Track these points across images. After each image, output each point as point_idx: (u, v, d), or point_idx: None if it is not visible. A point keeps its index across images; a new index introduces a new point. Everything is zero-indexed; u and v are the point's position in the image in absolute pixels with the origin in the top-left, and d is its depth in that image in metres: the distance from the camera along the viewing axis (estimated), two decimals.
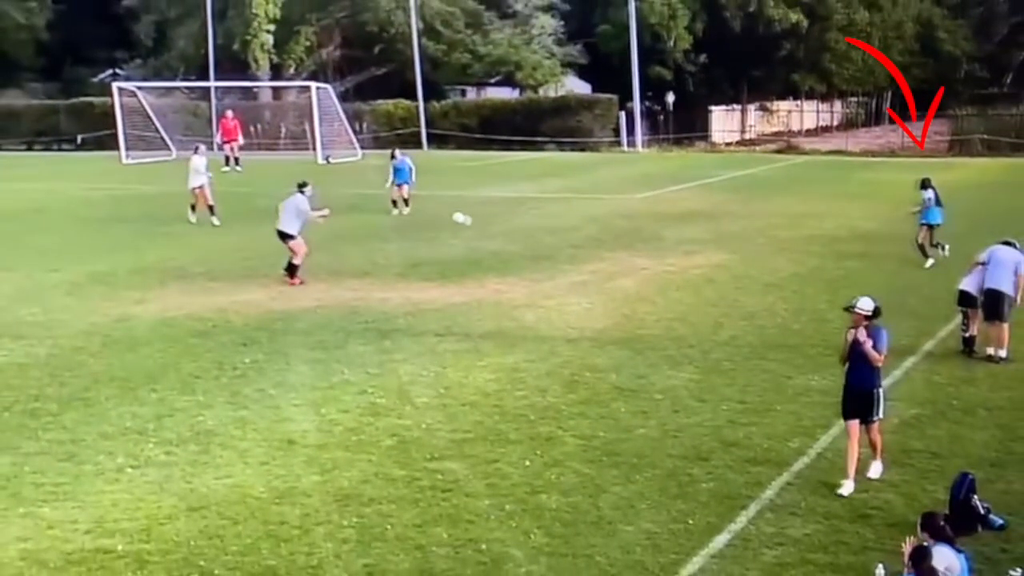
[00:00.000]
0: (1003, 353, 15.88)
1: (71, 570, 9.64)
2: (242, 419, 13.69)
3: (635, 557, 9.75)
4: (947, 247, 22.85)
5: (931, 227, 23.25)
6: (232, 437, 13.02)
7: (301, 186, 22.42)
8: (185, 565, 9.70)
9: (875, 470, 11.39)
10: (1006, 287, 15.88)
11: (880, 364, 11.32)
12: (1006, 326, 15.94)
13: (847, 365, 11.47)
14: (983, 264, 16.18)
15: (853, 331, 11.23)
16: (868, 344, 11.14)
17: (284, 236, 21.98)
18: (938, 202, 23.36)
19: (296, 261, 21.78)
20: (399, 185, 32.66)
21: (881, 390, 11.39)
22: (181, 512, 10.84)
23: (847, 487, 11.03)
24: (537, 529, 10.34)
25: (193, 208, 30.84)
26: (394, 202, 32.72)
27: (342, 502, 11.02)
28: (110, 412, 14.02)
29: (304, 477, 11.71)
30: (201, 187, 30.78)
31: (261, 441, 12.87)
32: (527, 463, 12.03)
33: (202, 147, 32.49)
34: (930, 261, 22.72)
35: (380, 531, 10.33)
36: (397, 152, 34.11)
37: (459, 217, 25.21)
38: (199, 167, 30.91)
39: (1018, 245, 16.49)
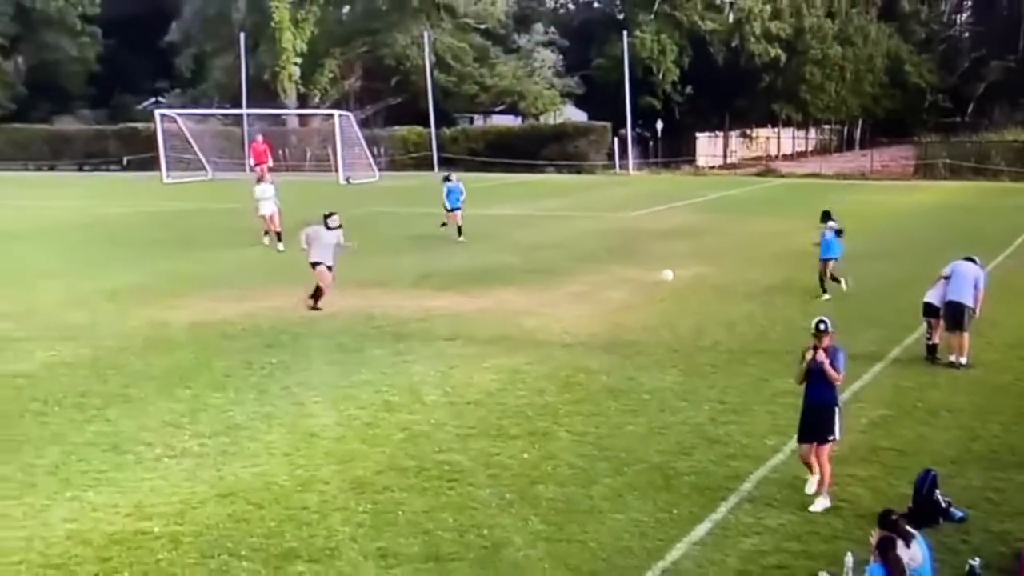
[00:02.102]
0: (964, 360, 15.79)
1: (113, 549, 9.65)
2: (268, 414, 13.69)
3: (624, 543, 9.73)
4: (849, 280, 21.21)
5: (827, 261, 21.07)
6: (259, 430, 13.02)
7: (327, 217, 20.68)
8: (215, 546, 9.69)
9: (820, 504, 10.48)
10: (967, 299, 15.80)
11: (839, 382, 10.73)
12: (967, 335, 15.87)
13: (805, 384, 10.75)
14: (946, 278, 16.09)
15: (812, 351, 10.53)
16: (828, 363, 10.51)
17: (315, 264, 20.36)
18: (838, 234, 21.11)
19: (323, 287, 20.28)
20: (452, 211, 30.13)
21: (839, 408, 10.76)
22: (212, 498, 10.84)
23: (818, 504, 10.45)
24: (534, 516, 10.32)
25: (267, 232, 28.95)
26: (444, 224, 30.48)
27: (358, 490, 11.02)
28: (149, 407, 14.03)
29: (324, 467, 11.70)
30: (271, 215, 28.70)
31: (285, 434, 12.87)
32: (526, 456, 12.02)
33: (267, 175, 30.70)
34: (826, 296, 20.79)
35: (392, 517, 10.33)
36: (452, 175, 31.62)
37: (668, 275, 22.55)
38: (267, 194, 28.86)
39: (978, 261, 16.46)
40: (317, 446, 12.42)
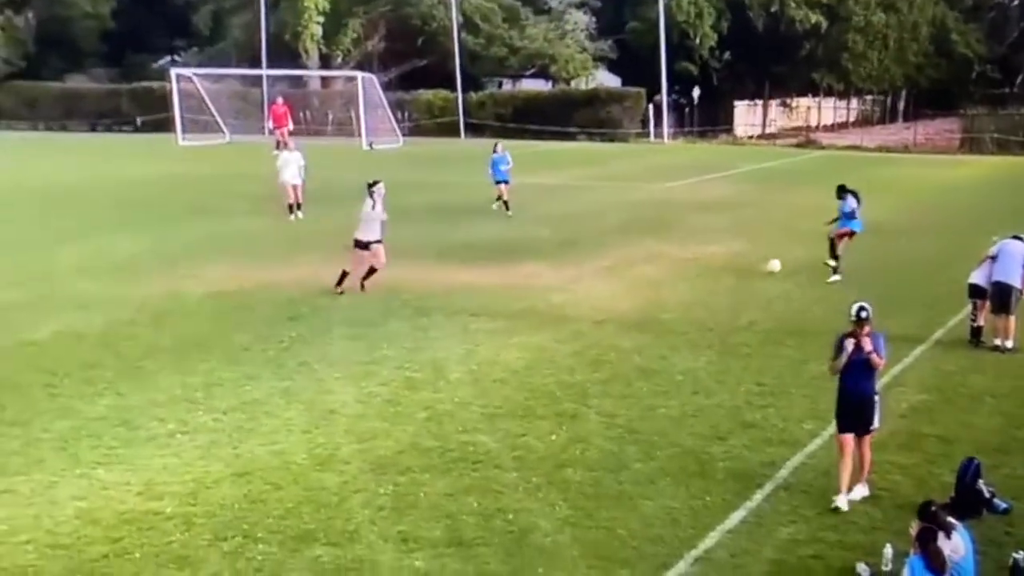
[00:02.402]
0: (1010, 343, 15.67)
1: (123, 529, 9.67)
2: (286, 389, 13.70)
3: (655, 531, 9.69)
4: (837, 275, 20.38)
5: (843, 233, 20.62)
6: (277, 406, 13.04)
7: (371, 186, 19.46)
8: (230, 527, 9.70)
9: (859, 492, 10.38)
10: (1015, 280, 15.66)
11: (880, 368, 10.51)
12: (1013, 318, 15.72)
13: (840, 374, 10.43)
14: (992, 258, 15.95)
15: (852, 339, 10.22)
16: (874, 352, 10.24)
17: (367, 244, 19.15)
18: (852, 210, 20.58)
19: (379, 265, 19.24)
20: (499, 183, 29.47)
21: (878, 397, 10.56)
22: (227, 477, 10.85)
23: (841, 500, 10.21)
24: (562, 501, 10.29)
25: (291, 206, 28.26)
26: (498, 197, 29.55)
27: (379, 470, 11.01)
28: (162, 381, 14.06)
29: (344, 446, 11.70)
30: (295, 185, 28.17)
31: (304, 411, 12.87)
32: (553, 438, 11.99)
33: (290, 141, 29.94)
34: (836, 277, 20.36)
35: (414, 499, 10.32)
36: (499, 145, 30.57)
37: (775, 265, 21.28)
38: (294, 162, 28.30)
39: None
40: (337, 424, 12.43)
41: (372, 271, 19.26)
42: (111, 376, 14.27)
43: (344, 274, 19.08)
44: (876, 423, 10.45)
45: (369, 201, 19.18)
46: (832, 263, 20.52)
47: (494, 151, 30.13)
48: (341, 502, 10.26)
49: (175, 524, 9.77)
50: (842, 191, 20.82)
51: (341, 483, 10.70)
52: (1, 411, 12.86)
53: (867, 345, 10.16)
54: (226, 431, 12.19)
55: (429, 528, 9.70)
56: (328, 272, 21.08)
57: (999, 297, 15.71)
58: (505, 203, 29.22)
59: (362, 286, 19.16)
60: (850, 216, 20.63)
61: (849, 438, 10.36)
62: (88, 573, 8.89)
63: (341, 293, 18.93)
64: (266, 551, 9.25)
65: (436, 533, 9.60)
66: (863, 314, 10.27)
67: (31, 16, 66.09)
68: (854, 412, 10.35)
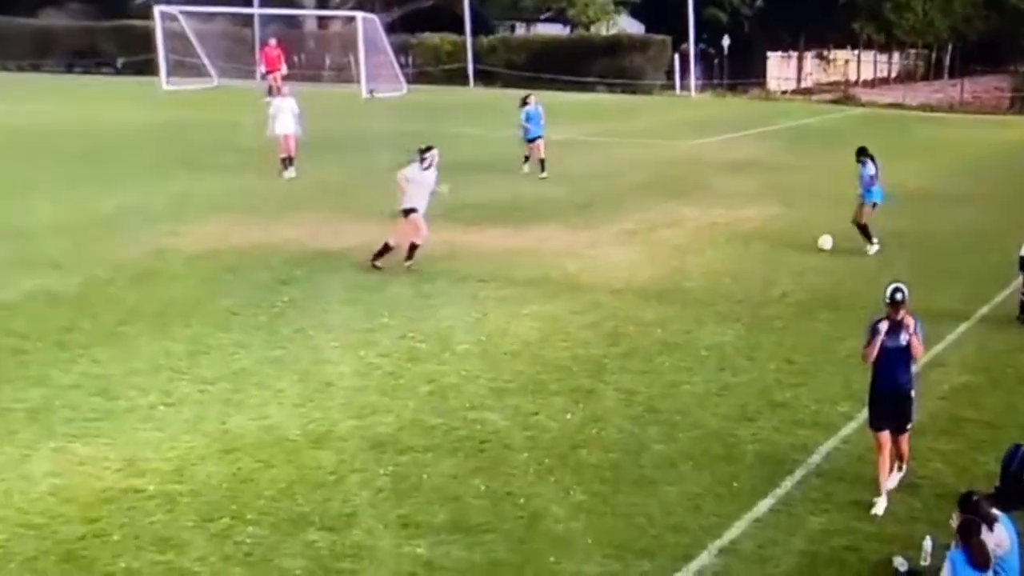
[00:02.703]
0: None
1: (102, 508, 9.73)
2: (278, 359, 13.74)
3: (676, 518, 9.72)
4: (876, 246, 20.19)
5: (866, 206, 20.22)
6: (268, 377, 13.09)
7: (423, 152, 18.62)
8: (216, 508, 9.76)
9: (894, 480, 10.27)
10: None
11: (919, 356, 10.28)
12: None
13: (874, 363, 10.11)
14: None
15: (885, 323, 9.92)
16: (916, 338, 9.95)
17: (407, 212, 18.44)
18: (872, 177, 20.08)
19: (418, 241, 18.44)
20: (532, 140, 28.23)
21: (914, 390, 10.28)
22: (214, 453, 10.91)
23: (880, 505, 10.00)
24: (577, 485, 10.32)
25: (283, 159, 27.47)
26: (526, 158, 28.62)
27: (378, 449, 11.06)
28: (143, 347, 14.11)
29: (340, 422, 11.75)
30: (286, 136, 27.27)
31: (297, 382, 12.92)
32: (568, 416, 12.03)
33: (283, 86, 28.89)
34: (875, 247, 20.14)
35: (416, 481, 10.37)
36: (531, 98, 28.94)
37: (827, 241, 20.43)
38: (283, 109, 27.45)
39: None
40: (333, 397, 12.47)
41: (413, 247, 18.38)
42: (87, 341, 14.31)
43: (386, 247, 18.26)
44: (914, 418, 10.26)
45: (416, 166, 18.41)
46: (872, 244, 20.22)
47: (524, 104, 28.69)
48: (337, 483, 10.30)
49: (157, 504, 9.82)
50: (861, 154, 20.32)
51: (338, 462, 10.74)
52: None
53: (914, 341, 9.89)
54: (213, 403, 12.24)
55: (432, 512, 9.74)
56: (326, 232, 21.14)
57: None
58: (541, 162, 28.29)
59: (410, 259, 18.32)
60: (869, 186, 20.20)
61: (885, 436, 10.11)
62: (63, 555, 8.94)
63: (378, 268, 18.16)
64: (256, 534, 9.31)
65: (440, 518, 9.64)
66: (898, 296, 9.98)
67: None
68: (889, 407, 10.11)
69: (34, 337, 14.40)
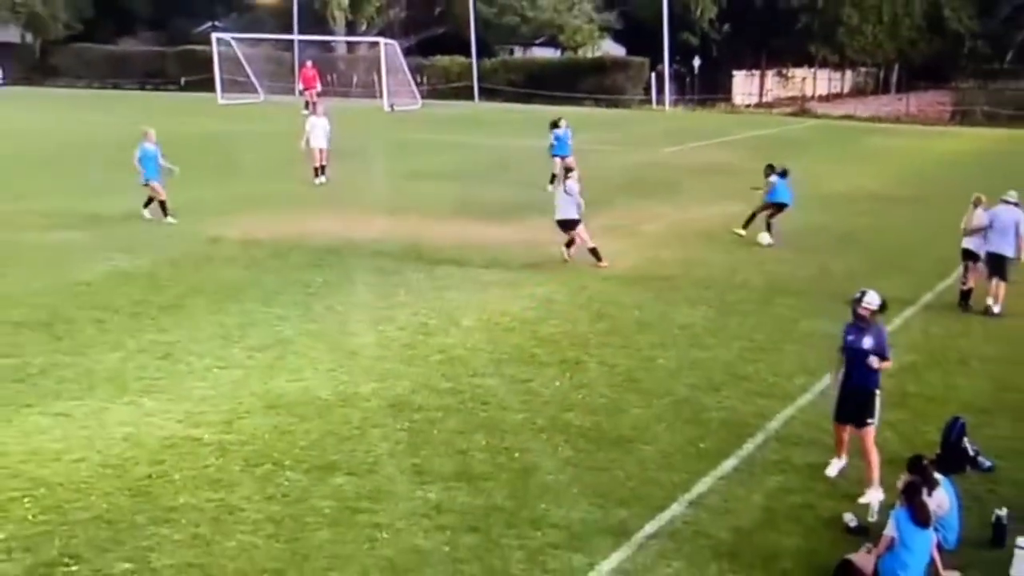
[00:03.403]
0: (997, 309, 15.33)
1: (165, 453, 9.80)
2: (313, 331, 13.75)
3: (651, 474, 9.66)
4: (770, 238, 19.96)
5: (771, 205, 20.11)
6: (304, 346, 13.09)
7: (554, 124, 18.46)
8: (260, 455, 9.80)
9: (873, 495, 9.14)
10: (1008, 250, 15.30)
11: (886, 369, 9.53)
12: (1004, 284, 15.40)
13: (843, 366, 9.56)
14: (985, 227, 15.43)
15: (853, 335, 9.42)
16: (875, 361, 9.30)
17: (565, 225, 18.02)
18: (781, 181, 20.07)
19: (592, 245, 17.97)
20: (560, 157, 26.17)
21: (879, 391, 9.50)
22: (258, 409, 10.94)
23: (833, 467, 9.70)
24: (564, 443, 10.29)
25: (316, 169, 26.61)
26: (553, 176, 26.05)
27: (396, 408, 11.06)
28: (201, 319, 14.15)
29: (364, 384, 11.74)
30: (321, 149, 26.49)
31: (328, 351, 12.92)
32: (557, 384, 11.98)
33: (319, 104, 27.46)
34: (767, 238, 19.93)
35: (427, 435, 10.37)
36: (562, 121, 27.12)
37: (764, 238, 19.80)
38: (321, 127, 26.54)
39: (1014, 200, 15.55)
40: (358, 364, 12.47)
41: (572, 242, 18.19)
42: (155, 313, 14.38)
43: (593, 251, 17.97)
44: (875, 418, 9.52)
45: (566, 183, 18.05)
46: (741, 231, 20.28)
47: (555, 126, 26.72)
48: (361, 436, 10.32)
49: (211, 450, 9.88)
50: (769, 170, 20.44)
51: (362, 418, 10.76)
52: (58, 343, 13.03)
53: (875, 363, 9.28)
54: (258, 367, 12.26)
55: (441, 462, 9.75)
56: (353, 225, 21.08)
57: (994, 266, 15.41)
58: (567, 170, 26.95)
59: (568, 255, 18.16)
60: (771, 191, 20.27)
61: (844, 429, 9.67)
62: (133, 492, 9.02)
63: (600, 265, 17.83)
64: (293, 478, 9.34)
65: (448, 467, 9.65)
66: (860, 299, 9.48)
67: None
68: (851, 403, 9.52)
69: (111, 309, 14.48)
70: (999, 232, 15.37)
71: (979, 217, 15.66)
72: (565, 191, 17.97)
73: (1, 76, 42.38)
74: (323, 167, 26.89)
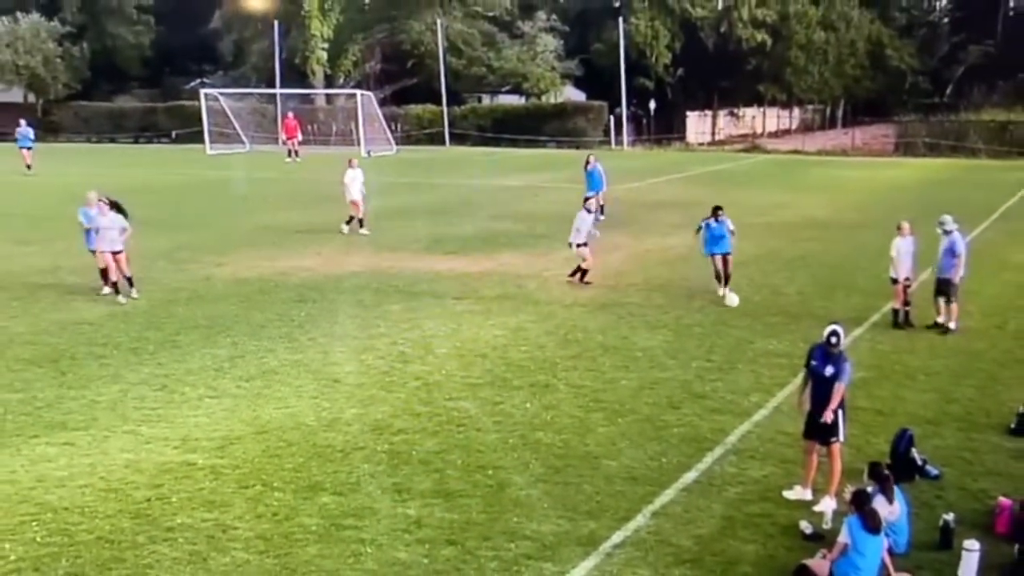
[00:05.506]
0: (952, 325, 15.40)
1: (163, 477, 9.83)
2: (298, 361, 13.78)
3: (617, 487, 9.69)
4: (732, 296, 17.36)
5: (715, 256, 17.97)
6: (290, 375, 13.13)
7: (587, 200, 18.98)
8: (251, 477, 9.84)
9: (826, 504, 9.12)
10: (950, 274, 15.40)
11: (840, 391, 9.32)
12: (955, 304, 15.47)
13: (811, 387, 9.43)
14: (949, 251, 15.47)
15: (819, 359, 9.35)
16: (831, 414, 9.25)
17: (581, 245, 18.74)
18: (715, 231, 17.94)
19: (585, 266, 18.94)
20: (594, 192, 26.57)
21: (843, 412, 9.46)
22: (249, 434, 10.97)
23: (795, 492, 9.48)
24: (535, 460, 10.33)
25: (349, 220, 25.33)
26: (601, 208, 26.67)
27: (376, 431, 11.10)
28: (194, 352, 14.17)
29: (346, 410, 11.79)
30: (355, 201, 25.26)
31: (312, 379, 12.96)
32: (527, 405, 12.02)
33: (355, 160, 26.33)
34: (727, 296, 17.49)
35: (406, 456, 10.40)
36: (591, 158, 27.85)
37: (732, 300, 17.12)
38: (358, 179, 25.37)
39: (949, 227, 15.52)
40: (340, 391, 12.51)
41: (580, 270, 18.91)
42: (152, 348, 14.42)
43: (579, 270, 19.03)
44: (841, 436, 9.43)
45: (582, 213, 18.91)
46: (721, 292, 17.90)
47: (587, 164, 27.53)
48: (344, 457, 10.36)
49: (205, 474, 9.91)
50: (717, 211, 18.09)
51: (344, 441, 10.80)
52: (63, 377, 13.05)
53: (829, 417, 9.27)
54: (248, 396, 12.30)
55: (420, 481, 9.79)
56: (334, 262, 21.14)
57: (940, 288, 15.53)
58: (601, 207, 26.78)
59: (574, 278, 18.99)
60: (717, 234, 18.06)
61: (811, 444, 9.51)
62: (134, 513, 9.04)
63: (572, 281, 18.91)
64: (281, 498, 9.38)
65: (426, 485, 9.69)
66: (833, 339, 9.28)
67: (85, 47, 67.29)
68: (817, 423, 9.37)
69: (111, 345, 14.53)
70: (943, 255, 15.45)
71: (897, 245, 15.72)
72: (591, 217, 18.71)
73: (32, 135, 42.30)
74: (361, 220, 25.23)
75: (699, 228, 18.20)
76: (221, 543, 8.49)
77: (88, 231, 18.19)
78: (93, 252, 18.06)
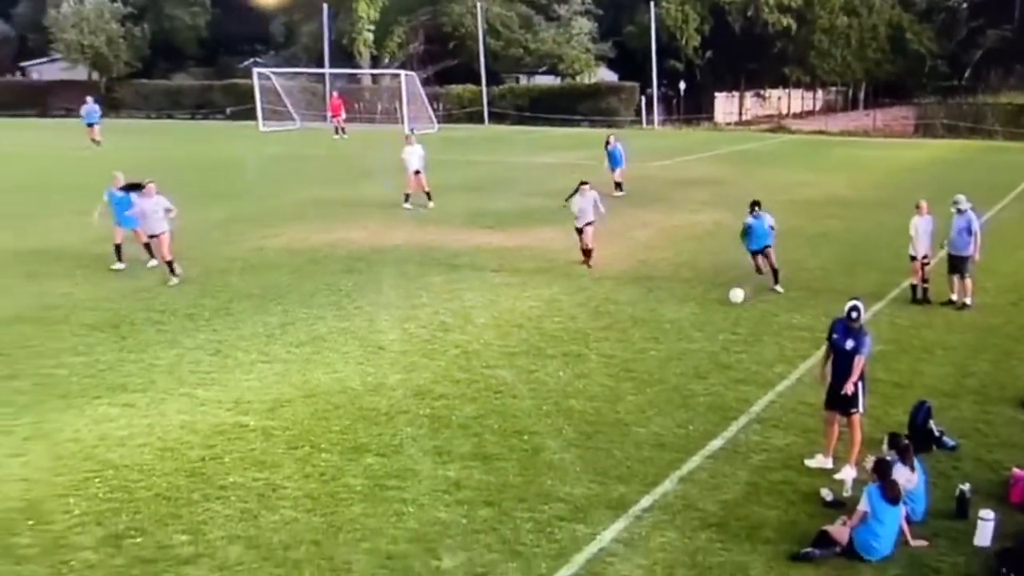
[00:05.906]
0: (968, 300, 15.21)
1: (216, 438, 9.88)
2: (345, 328, 13.81)
3: (645, 453, 9.66)
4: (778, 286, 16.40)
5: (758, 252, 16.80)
6: (337, 342, 13.16)
7: (583, 183, 17.95)
8: (300, 439, 9.87)
9: (846, 472, 9.03)
10: (967, 251, 15.16)
11: (860, 365, 9.16)
12: (968, 280, 15.26)
13: (829, 361, 9.32)
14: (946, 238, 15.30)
15: (840, 332, 9.17)
16: (851, 386, 9.12)
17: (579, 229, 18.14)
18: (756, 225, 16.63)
19: (586, 247, 18.08)
20: (613, 169, 27.08)
21: (863, 384, 9.32)
22: (298, 398, 11.00)
23: (816, 461, 9.37)
24: (568, 426, 10.31)
25: (407, 197, 24.71)
26: (618, 184, 27.09)
27: (419, 396, 11.11)
28: (247, 320, 14.24)
29: (390, 375, 11.81)
30: (418, 172, 24.64)
31: (359, 346, 12.99)
32: (561, 374, 11.99)
33: (412, 137, 25.42)
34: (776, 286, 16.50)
35: (447, 420, 10.41)
36: (611, 138, 27.90)
37: (737, 295, 15.83)
38: (416, 154, 24.62)
39: (963, 206, 15.24)
40: (385, 357, 12.53)
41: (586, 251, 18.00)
42: (208, 315, 14.50)
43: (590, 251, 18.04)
44: (860, 407, 9.28)
45: (578, 197, 18.03)
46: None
47: (607, 144, 27.45)
48: (388, 421, 10.38)
49: (256, 435, 9.95)
50: (755, 206, 16.80)
51: (388, 405, 10.81)
52: (123, 342, 13.18)
53: (849, 389, 9.11)
54: (297, 361, 12.33)
55: (459, 444, 9.79)
56: (380, 234, 21.14)
57: (955, 265, 15.34)
58: (617, 183, 26.98)
59: (586, 262, 17.95)
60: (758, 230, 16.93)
61: (832, 415, 9.38)
62: (190, 472, 9.11)
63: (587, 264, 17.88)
64: (329, 459, 9.41)
65: (465, 448, 9.69)
66: (854, 314, 9.14)
67: (145, 28, 67.73)
68: (837, 395, 9.24)
69: (169, 312, 14.61)
70: (956, 233, 15.27)
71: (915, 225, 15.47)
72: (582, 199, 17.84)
73: (99, 112, 42.82)
74: (428, 193, 24.76)
75: (744, 231, 16.69)
76: (271, 501, 8.53)
77: (119, 208, 17.55)
78: (128, 229, 17.50)
